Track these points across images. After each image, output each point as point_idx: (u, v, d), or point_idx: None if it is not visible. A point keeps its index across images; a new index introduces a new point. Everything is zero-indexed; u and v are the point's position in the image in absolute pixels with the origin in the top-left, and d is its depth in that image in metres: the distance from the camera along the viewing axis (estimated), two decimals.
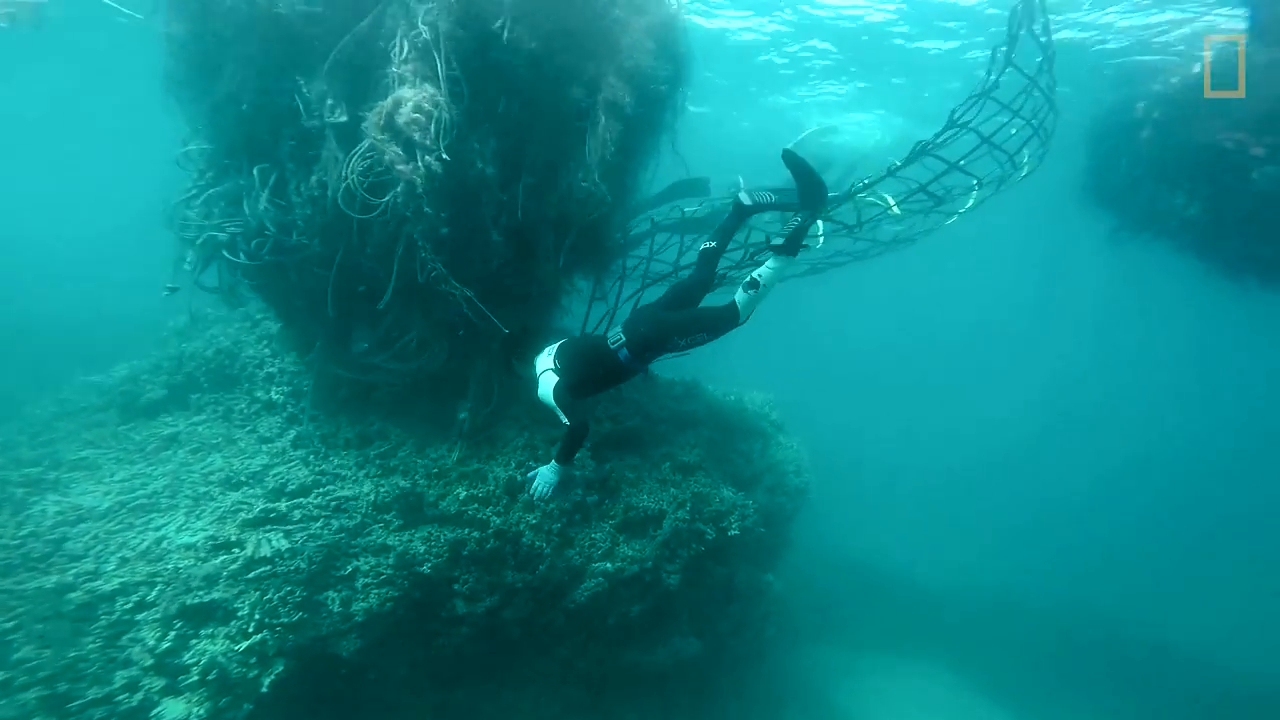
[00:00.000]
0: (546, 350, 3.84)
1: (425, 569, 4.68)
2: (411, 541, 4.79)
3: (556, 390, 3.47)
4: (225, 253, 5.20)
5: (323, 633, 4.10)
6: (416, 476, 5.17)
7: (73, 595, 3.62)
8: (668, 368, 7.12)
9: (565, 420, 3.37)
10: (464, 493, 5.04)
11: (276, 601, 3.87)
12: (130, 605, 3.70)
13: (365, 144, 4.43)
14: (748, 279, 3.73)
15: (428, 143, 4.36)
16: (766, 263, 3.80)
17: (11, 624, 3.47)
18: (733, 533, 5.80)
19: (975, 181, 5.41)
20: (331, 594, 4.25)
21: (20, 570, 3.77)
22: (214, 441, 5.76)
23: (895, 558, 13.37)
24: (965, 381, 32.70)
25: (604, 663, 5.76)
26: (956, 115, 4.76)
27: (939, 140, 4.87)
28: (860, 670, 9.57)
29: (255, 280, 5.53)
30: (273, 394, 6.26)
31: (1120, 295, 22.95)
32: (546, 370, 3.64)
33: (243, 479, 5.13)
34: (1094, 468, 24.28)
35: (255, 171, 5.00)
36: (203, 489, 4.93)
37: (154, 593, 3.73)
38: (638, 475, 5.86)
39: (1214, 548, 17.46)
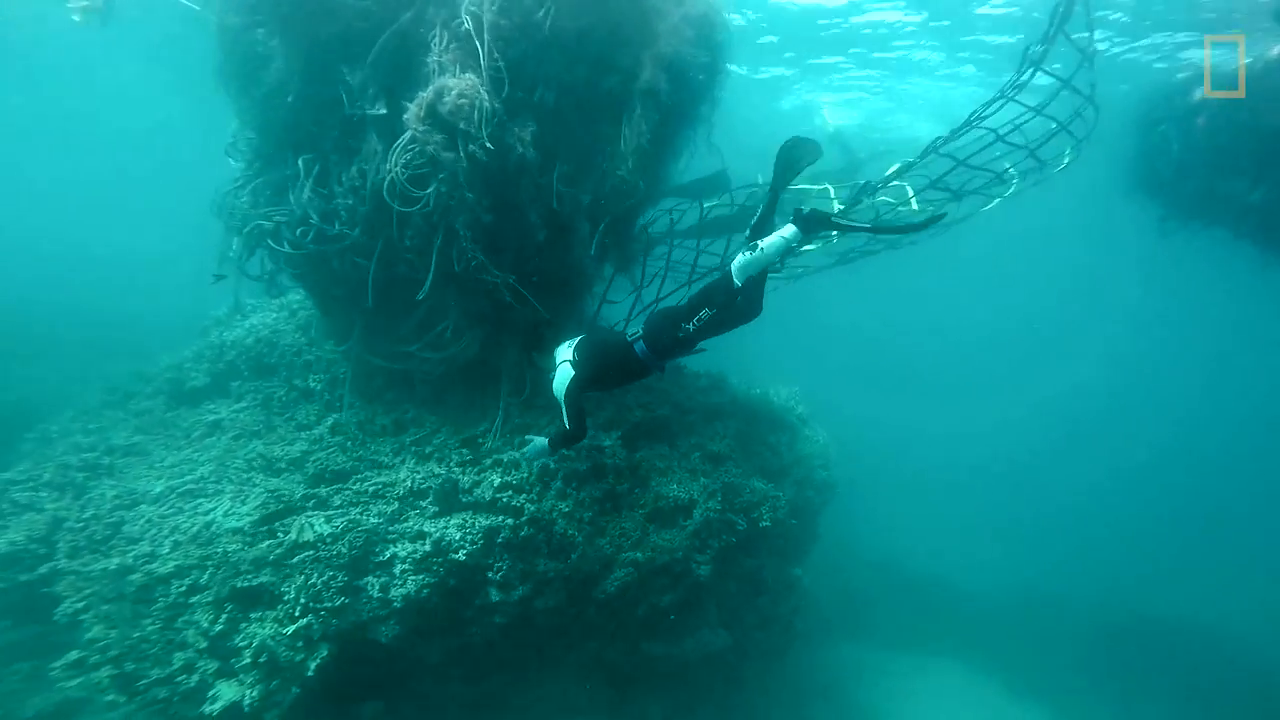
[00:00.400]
0: (567, 343, 3.89)
1: (461, 556, 4.75)
2: (447, 528, 4.85)
3: (570, 387, 3.57)
4: (270, 241, 5.31)
5: (363, 618, 4.19)
6: (451, 464, 5.24)
7: (133, 577, 3.77)
8: (694, 361, 7.13)
9: (566, 424, 3.52)
10: (498, 479, 5.09)
11: (320, 586, 3.97)
12: (184, 588, 3.84)
13: (407, 136, 4.46)
14: (753, 242, 3.54)
15: (471, 130, 4.38)
16: (779, 231, 3.52)
17: (81, 604, 3.64)
18: (764, 524, 5.76)
19: (1008, 168, 5.26)
20: (371, 579, 4.35)
21: (85, 552, 3.94)
22: (254, 428, 5.93)
23: (919, 554, 13.18)
24: (989, 377, 31.94)
25: (631, 655, 5.80)
26: (976, 115, 4.67)
27: (956, 136, 4.73)
28: (889, 668, 9.49)
29: (297, 269, 5.63)
30: (310, 382, 6.40)
31: (1153, 288, 21.98)
32: (564, 362, 3.71)
33: (283, 465, 5.27)
34: (1120, 461, 23.56)
35: (300, 162, 5.08)
36: (245, 474, 5.07)
37: (206, 576, 3.86)
38: (668, 465, 5.84)
39: (1244, 537, 16.81)
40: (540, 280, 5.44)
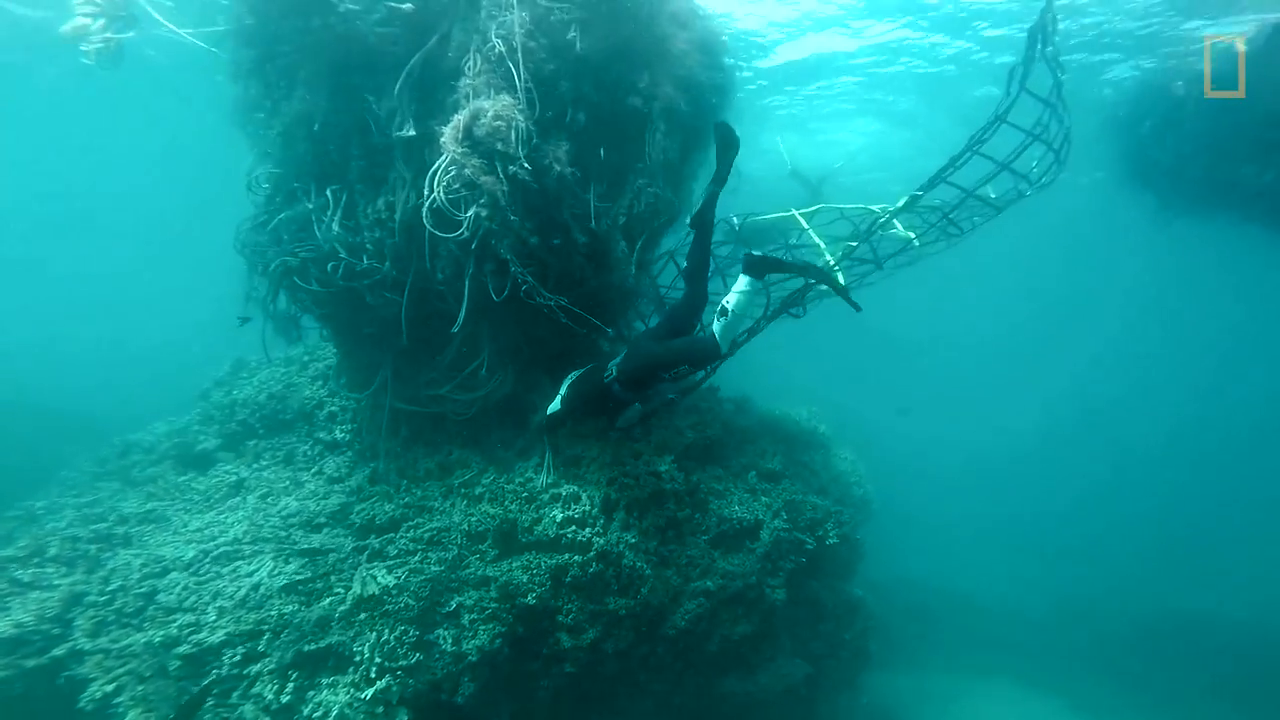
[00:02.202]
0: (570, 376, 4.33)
1: (530, 600, 4.39)
2: (511, 571, 4.51)
3: (549, 417, 4.25)
4: (296, 279, 5.10)
5: (437, 676, 3.79)
6: (506, 502, 4.93)
7: (179, 650, 3.32)
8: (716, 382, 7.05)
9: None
10: (560, 515, 4.80)
11: (393, 642, 3.58)
12: (238, 657, 3.40)
13: (445, 159, 4.38)
14: (720, 305, 3.85)
15: (509, 151, 4.33)
16: (735, 286, 3.88)
17: (112, 686, 3.17)
18: (830, 541, 5.56)
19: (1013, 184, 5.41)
20: (441, 632, 3.96)
21: (113, 628, 3.48)
22: (281, 485, 5.52)
23: (943, 571, 12.93)
24: (991, 382, 32.25)
25: (701, 695, 5.40)
26: (975, 139, 4.78)
27: (958, 165, 4.89)
28: (932, 693, 9.05)
29: (325, 308, 5.40)
30: (336, 434, 6.05)
31: (1158, 278, 22.36)
32: (557, 396, 4.23)
33: (322, 520, 4.87)
34: (1130, 457, 23.82)
35: (329, 193, 4.94)
36: (283, 532, 4.66)
37: (263, 642, 3.44)
38: (724, 486, 5.64)
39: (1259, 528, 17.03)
40: (580, 303, 5.36)
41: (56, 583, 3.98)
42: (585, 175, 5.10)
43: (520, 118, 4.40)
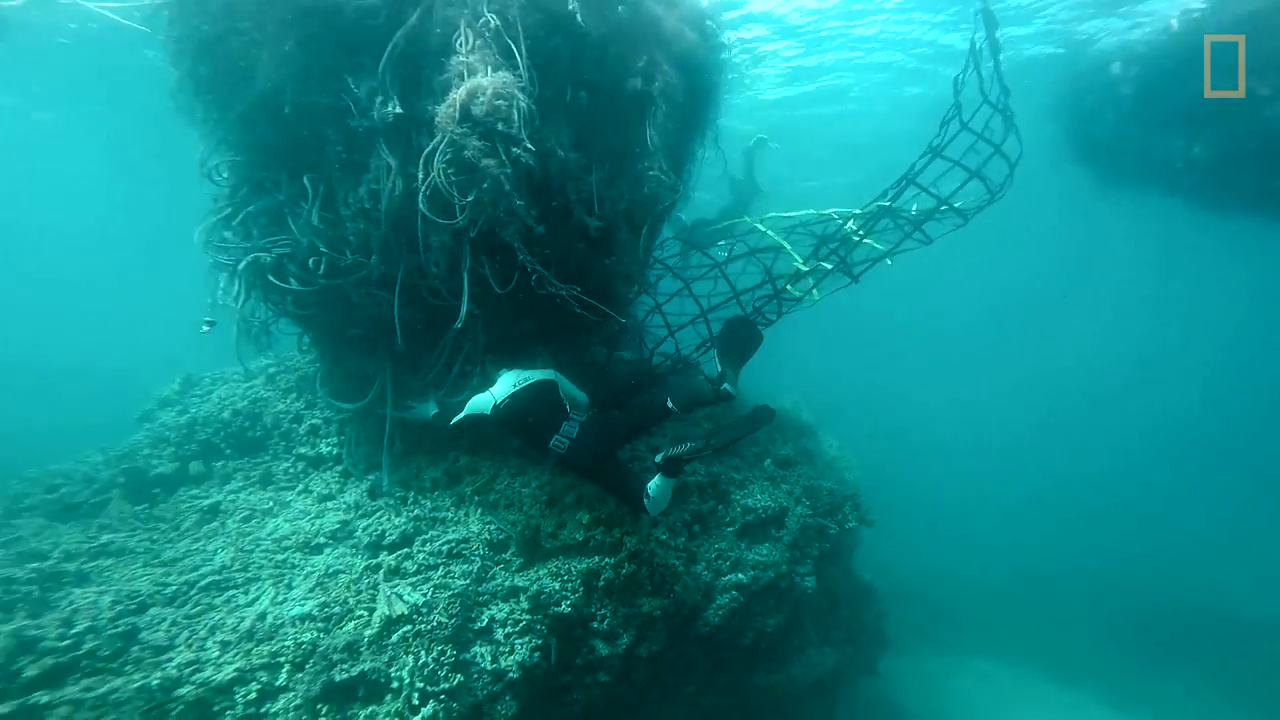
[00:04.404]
0: (512, 377, 4.24)
1: (565, 608, 4.10)
2: (541, 578, 4.20)
3: (476, 416, 4.12)
4: (271, 277, 4.60)
5: (479, 697, 3.44)
6: (526, 507, 4.62)
7: (181, 692, 2.82)
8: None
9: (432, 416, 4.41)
10: (586, 517, 4.53)
11: (432, 664, 3.23)
12: (252, 695, 2.93)
13: (442, 139, 4.04)
14: (650, 484, 4.01)
15: (512, 133, 4.05)
16: (653, 481, 4.03)
17: None
18: (850, 525, 5.55)
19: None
20: (478, 649, 3.61)
21: (84, 675, 2.92)
22: (265, 507, 4.94)
23: (930, 554, 13.12)
24: (973, 362, 32.42)
25: (730, 694, 5.24)
26: (934, 144, 4.91)
27: (906, 183, 5.04)
28: (935, 673, 9.23)
29: (305, 309, 4.91)
30: (321, 448, 5.53)
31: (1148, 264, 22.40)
32: (491, 393, 4.17)
33: (321, 540, 4.39)
34: (1129, 437, 24.36)
35: (305, 180, 4.49)
36: (279, 556, 4.15)
37: (283, 675, 2.99)
38: (744, 476, 5.55)
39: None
40: (583, 293, 5.14)
41: None
42: (588, 158, 4.91)
43: (521, 96, 4.12)
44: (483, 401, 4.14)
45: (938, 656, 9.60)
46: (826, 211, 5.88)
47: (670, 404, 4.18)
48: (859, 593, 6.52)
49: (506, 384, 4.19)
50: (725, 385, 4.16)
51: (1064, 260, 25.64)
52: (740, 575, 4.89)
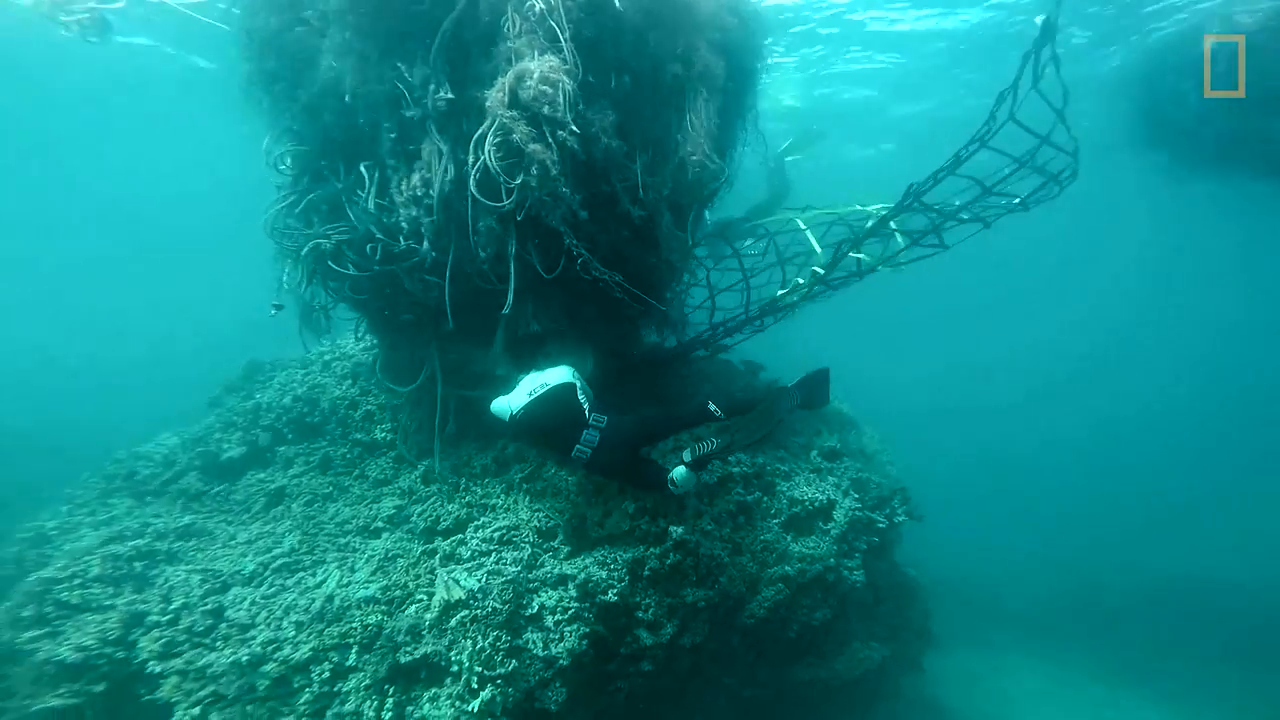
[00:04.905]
0: (528, 383, 4.15)
1: (611, 596, 4.18)
2: (588, 567, 4.29)
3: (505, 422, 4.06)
4: (331, 263, 4.76)
5: (531, 683, 3.57)
6: (572, 495, 4.70)
7: (266, 668, 3.04)
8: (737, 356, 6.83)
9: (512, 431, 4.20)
10: (632, 506, 4.58)
11: (489, 649, 3.36)
12: (326, 674, 3.13)
13: (492, 123, 4.06)
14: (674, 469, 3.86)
15: (558, 116, 4.03)
16: (676, 468, 3.85)
17: (197, 710, 2.88)
18: (899, 519, 5.43)
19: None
20: (530, 635, 3.73)
21: (185, 648, 3.18)
22: (325, 491, 5.21)
23: (945, 547, 12.87)
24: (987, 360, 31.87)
25: (772, 686, 5.25)
26: (962, 152, 4.37)
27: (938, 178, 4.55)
28: (974, 672, 9.03)
29: (362, 294, 5.08)
30: (376, 434, 5.75)
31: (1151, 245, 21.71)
32: (508, 400, 4.12)
33: (379, 524, 4.60)
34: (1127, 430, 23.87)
35: (362, 168, 4.62)
36: (340, 540, 4.38)
37: (352, 656, 3.18)
38: (789, 467, 5.48)
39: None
40: (626, 279, 5.11)
41: (108, 603, 3.64)
42: (631, 144, 4.85)
43: (567, 80, 4.10)
44: (501, 409, 4.15)
45: (981, 655, 9.40)
46: (870, 207, 5.55)
47: (712, 406, 4.10)
48: (904, 588, 6.40)
49: (522, 391, 4.12)
50: (785, 403, 4.10)
51: (1144, 259, 24.09)
52: (787, 567, 4.86)
